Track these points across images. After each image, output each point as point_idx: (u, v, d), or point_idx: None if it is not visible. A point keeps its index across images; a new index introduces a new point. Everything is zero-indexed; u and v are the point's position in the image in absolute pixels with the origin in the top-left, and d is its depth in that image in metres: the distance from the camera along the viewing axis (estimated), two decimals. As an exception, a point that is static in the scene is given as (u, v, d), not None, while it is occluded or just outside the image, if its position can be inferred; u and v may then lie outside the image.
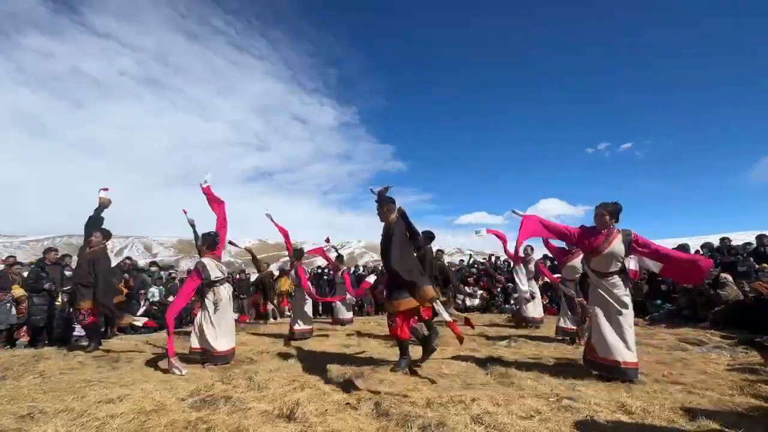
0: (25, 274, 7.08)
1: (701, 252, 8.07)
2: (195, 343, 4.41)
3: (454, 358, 4.28)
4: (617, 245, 3.42)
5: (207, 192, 5.15)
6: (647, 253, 3.48)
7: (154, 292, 8.94)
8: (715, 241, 8.57)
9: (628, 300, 3.43)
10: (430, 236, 5.58)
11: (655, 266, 3.48)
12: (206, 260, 4.55)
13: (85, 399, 2.90)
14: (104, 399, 2.86)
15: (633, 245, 3.44)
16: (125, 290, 8.00)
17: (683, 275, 3.44)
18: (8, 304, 6.15)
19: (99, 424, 2.39)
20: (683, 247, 8.16)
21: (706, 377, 3.34)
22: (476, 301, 10.76)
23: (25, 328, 6.37)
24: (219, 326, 4.40)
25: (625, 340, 3.33)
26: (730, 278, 6.54)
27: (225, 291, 4.57)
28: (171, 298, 9.13)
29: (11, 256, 7.88)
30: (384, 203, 3.90)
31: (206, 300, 4.49)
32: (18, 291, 6.41)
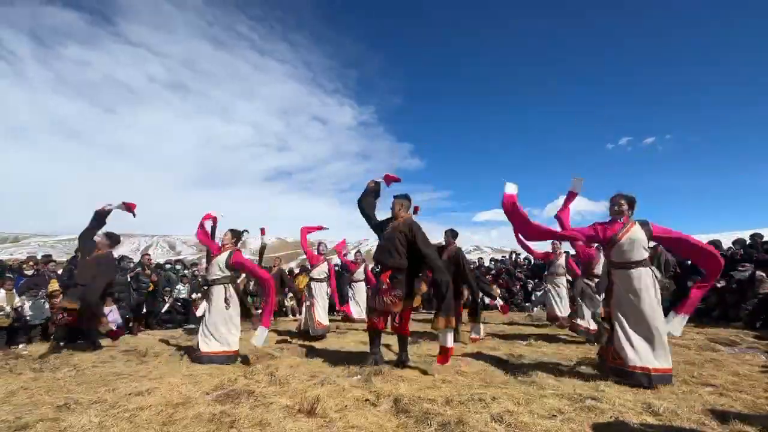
0: (59, 271, 7.45)
1: (733, 248, 7.72)
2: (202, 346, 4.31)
3: (474, 356, 4.25)
4: (637, 233, 3.30)
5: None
6: (667, 240, 3.39)
7: (181, 289, 9.22)
8: (746, 237, 8.17)
9: (655, 295, 3.21)
10: (455, 234, 5.63)
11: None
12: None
13: (117, 391, 3.02)
14: (134, 391, 2.97)
15: (653, 234, 3.33)
16: (151, 286, 8.27)
17: (702, 263, 3.34)
18: (42, 300, 6.47)
19: (129, 415, 2.50)
20: (715, 244, 7.82)
21: (739, 379, 3.19)
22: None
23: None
24: (218, 326, 4.34)
25: (652, 342, 3.12)
26: (764, 275, 6.24)
27: (226, 290, 4.48)
28: (195, 296, 9.40)
29: (47, 255, 8.29)
30: (402, 199, 4.04)
31: (208, 300, 4.51)
32: (53, 285, 6.74)
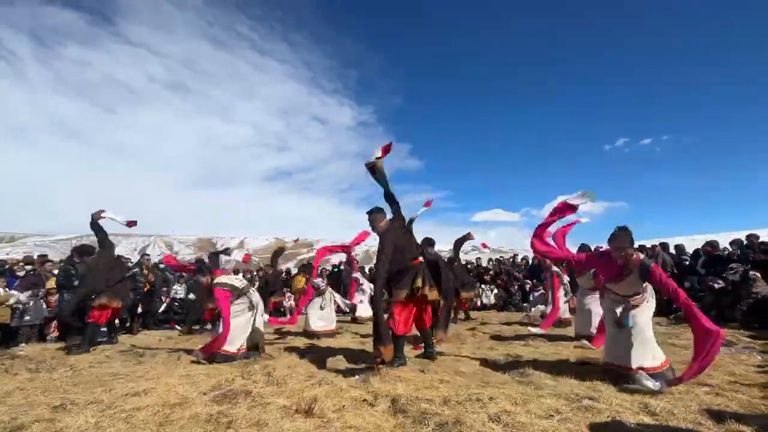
0: (56, 272, 7.40)
1: (730, 249, 7.74)
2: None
3: (472, 356, 4.25)
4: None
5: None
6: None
7: (178, 290, 9.19)
8: (742, 237, 8.20)
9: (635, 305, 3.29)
10: (431, 242, 5.65)
11: None
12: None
13: (113, 391, 3.01)
14: (131, 392, 2.96)
15: None
16: (147, 285, 8.25)
17: None
18: (41, 300, 6.44)
19: (126, 415, 2.48)
20: (712, 245, 7.84)
21: (735, 379, 3.20)
22: (492, 299, 10.65)
23: (54, 323, 6.65)
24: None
25: (628, 344, 3.23)
26: (758, 275, 6.27)
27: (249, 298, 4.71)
28: (192, 296, 9.36)
29: (42, 255, 8.25)
30: (373, 215, 4.08)
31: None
32: (50, 283, 6.71)
